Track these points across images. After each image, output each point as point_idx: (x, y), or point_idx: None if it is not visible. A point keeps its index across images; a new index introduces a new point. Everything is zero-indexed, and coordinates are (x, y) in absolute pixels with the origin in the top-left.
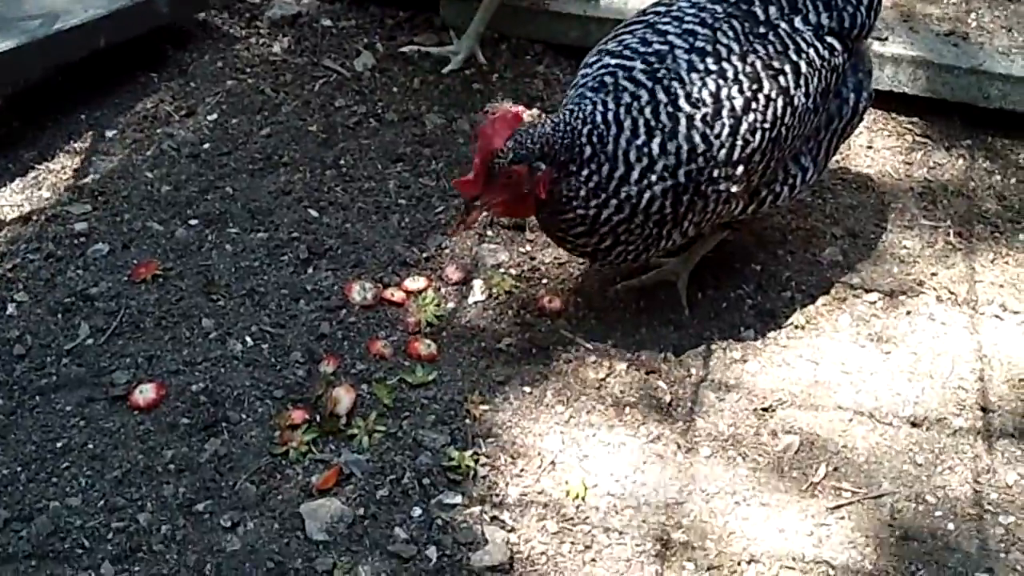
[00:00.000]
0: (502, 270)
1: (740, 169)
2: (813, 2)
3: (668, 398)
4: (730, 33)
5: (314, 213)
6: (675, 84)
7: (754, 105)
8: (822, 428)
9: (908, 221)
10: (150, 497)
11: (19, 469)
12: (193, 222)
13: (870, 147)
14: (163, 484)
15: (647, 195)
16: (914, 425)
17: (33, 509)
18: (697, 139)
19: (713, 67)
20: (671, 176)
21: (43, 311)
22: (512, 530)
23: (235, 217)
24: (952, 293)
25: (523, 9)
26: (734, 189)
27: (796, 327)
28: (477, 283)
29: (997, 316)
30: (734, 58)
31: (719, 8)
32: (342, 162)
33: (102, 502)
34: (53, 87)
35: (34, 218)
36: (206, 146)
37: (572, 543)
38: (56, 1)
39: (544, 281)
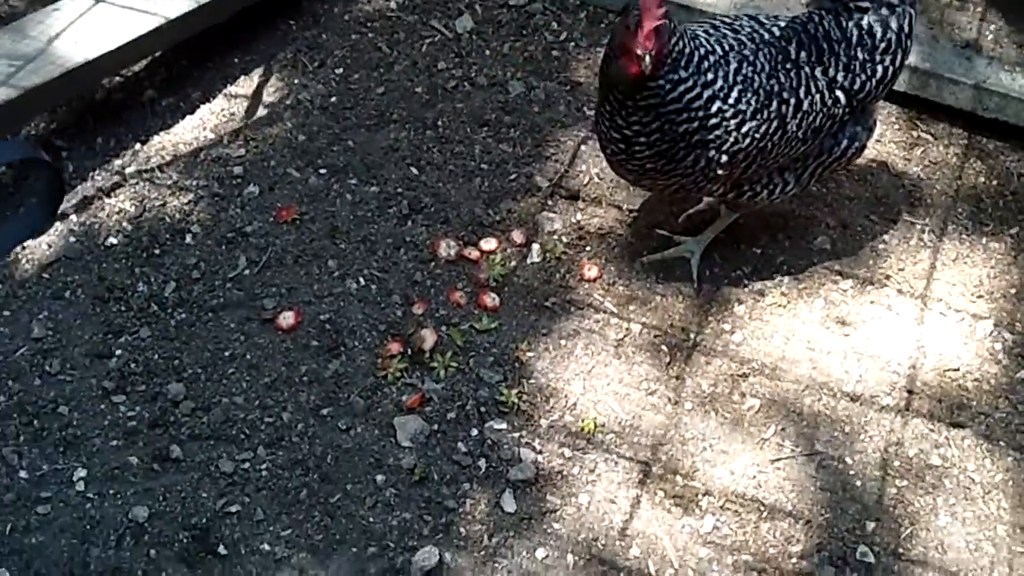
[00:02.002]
0: (556, 236)
1: (724, 159)
2: (836, 61)
3: (667, 359)
4: (767, 55)
5: (415, 171)
6: (724, 71)
7: (758, 116)
8: (779, 396)
9: (894, 215)
10: (290, 401)
11: (199, 371)
12: (322, 171)
13: (879, 140)
14: (299, 392)
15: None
16: (852, 400)
17: (211, 402)
18: (712, 111)
19: (746, 75)
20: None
21: (212, 243)
22: (540, 453)
23: (354, 169)
24: (912, 287)
25: None
26: (719, 172)
27: (779, 307)
28: (535, 247)
29: (942, 313)
30: (762, 75)
31: (766, 35)
32: (439, 123)
33: (257, 401)
34: (212, 30)
35: (201, 156)
36: (333, 99)
37: (581, 466)
38: None
39: (588, 248)
